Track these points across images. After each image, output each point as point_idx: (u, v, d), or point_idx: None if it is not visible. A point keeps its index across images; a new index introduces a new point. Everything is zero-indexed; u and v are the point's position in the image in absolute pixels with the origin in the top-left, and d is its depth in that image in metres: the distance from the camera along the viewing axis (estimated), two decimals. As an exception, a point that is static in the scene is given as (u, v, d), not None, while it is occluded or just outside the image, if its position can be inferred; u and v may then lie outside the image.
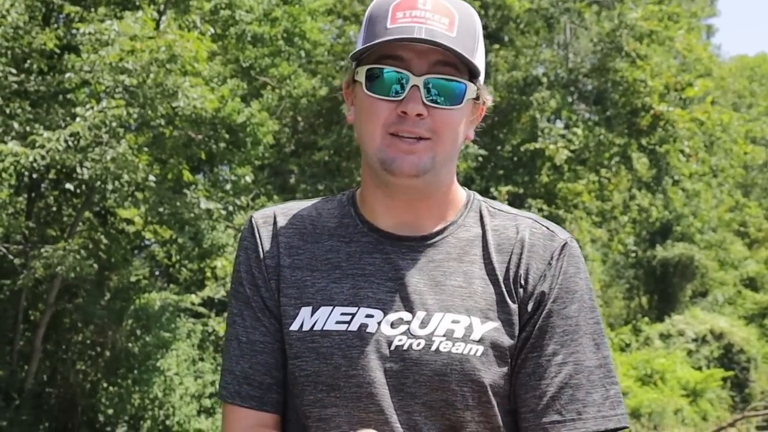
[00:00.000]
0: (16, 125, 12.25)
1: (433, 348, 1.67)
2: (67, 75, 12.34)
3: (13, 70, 12.40)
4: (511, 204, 14.44)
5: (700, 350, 25.88)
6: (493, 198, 10.84)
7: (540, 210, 19.86)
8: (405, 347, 1.67)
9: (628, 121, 21.66)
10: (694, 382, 23.86)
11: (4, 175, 11.77)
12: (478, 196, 1.86)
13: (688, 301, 30.11)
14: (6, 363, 14.27)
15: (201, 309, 16.37)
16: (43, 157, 11.55)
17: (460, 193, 1.83)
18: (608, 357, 1.77)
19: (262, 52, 17.81)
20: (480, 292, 1.72)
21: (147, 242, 17.53)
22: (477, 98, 1.74)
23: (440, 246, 1.76)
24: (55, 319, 14.66)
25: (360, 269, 1.74)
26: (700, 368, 25.01)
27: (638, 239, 27.51)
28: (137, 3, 13.89)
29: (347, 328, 1.69)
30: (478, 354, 1.67)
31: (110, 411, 15.04)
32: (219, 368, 16.17)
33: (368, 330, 1.68)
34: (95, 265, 13.28)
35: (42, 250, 12.61)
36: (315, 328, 1.70)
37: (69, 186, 12.97)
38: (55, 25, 13.39)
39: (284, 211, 1.84)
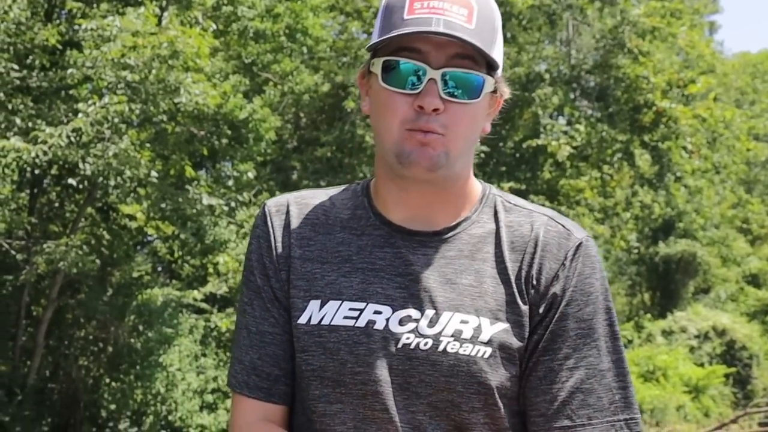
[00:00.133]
0: (18, 121, 12.26)
1: (441, 348, 1.64)
2: (69, 71, 12.35)
3: (16, 66, 12.40)
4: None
5: (703, 347, 25.87)
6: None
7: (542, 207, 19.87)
8: (412, 346, 1.65)
9: (630, 117, 21.65)
10: (696, 379, 23.86)
11: (6, 170, 11.77)
12: (495, 190, 1.82)
13: (691, 297, 30.11)
14: (8, 358, 14.29)
15: (203, 305, 16.40)
16: (45, 153, 11.56)
17: (476, 187, 1.79)
18: (622, 360, 1.73)
19: (264, 48, 17.82)
20: (491, 292, 1.69)
21: (149, 238, 17.55)
22: (494, 91, 1.71)
23: (452, 242, 1.73)
24: (58, 315, 14.68)
25: (370, 263, 1.71)
26: (702, 365, 25.00)
27: (640, 236, 27.51)
28: (139, -1, 13.90)
29: (355, 324, 1.67)
30: (486, 356, 1.64)
31: (113, 406, 15.07)
32: (221, 364, 16.21)
33: (376, 327, 1.66)
34: (97, 261, 13.30)
35: (44, 245, 12.62)
36: (323, 323, 1.68)
37: (71, 182, 12.98)
38: (57, 21, 13.39)
39: (298, 199, 1.82)
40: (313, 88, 19.05)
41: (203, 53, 13.13)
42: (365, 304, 1.68)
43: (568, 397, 1.67)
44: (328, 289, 1.71)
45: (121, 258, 15.30)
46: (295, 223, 1.78)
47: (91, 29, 12.29)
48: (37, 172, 12.93)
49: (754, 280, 33.47)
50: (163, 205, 13.93)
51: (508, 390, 1.66)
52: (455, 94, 1.64)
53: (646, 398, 21.70)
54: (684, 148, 21.92)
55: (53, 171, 13.62)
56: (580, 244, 1.73)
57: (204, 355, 16.21)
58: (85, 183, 13.01)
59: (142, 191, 14.04)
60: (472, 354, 1.64)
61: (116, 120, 11.92)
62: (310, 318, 1.70)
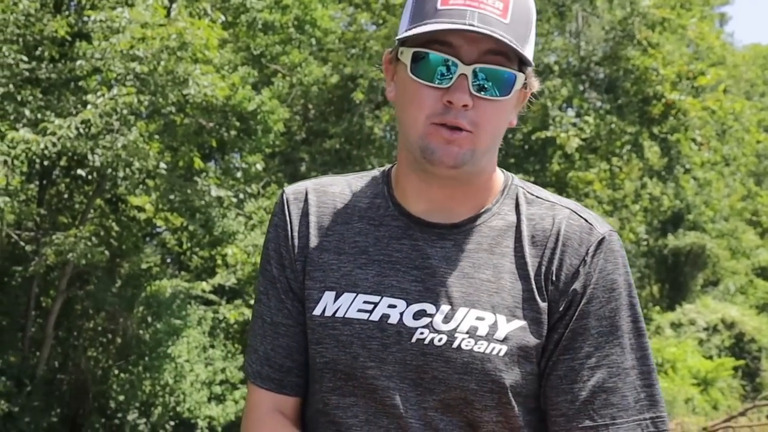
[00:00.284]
0: (27, 112, 12.28)
1: (455, 345, 1.61)
2: (78, 62, 12.36)
3: (25, 58, 12.42)
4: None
5: (711, 339, 25.84)
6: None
7: (551, 198, 19.83)
8: (426, 341, 1.62)
9: (639, 109, 21.58)
10: (705, 371, 23.83)
11: (15, 162, 11.80)
12: (517, 181, 1.77)
13: (700, 290, 30.06)
14: (18, 349, 14.35)
15: (212, 296, 16.43)
16: (54, 144, 11.58)
17: (498, 177, 1.75)
18: (647, 357, 1.68)
19: (272, 39, 17.82)
20: (508, 288, 1.65)
21: (158, 229, 17.58)
22: (524, 85, 1.66)
23: (472, 235, 1.69)
24: (67, 306, 14.72)
25: (386, 255, 1.69)
26: (711, 357, 24.97)
27: (649, 228, 27.45)
28: (148, -10, 13.89)
29: (369, 317, 1.65)
30: (501, 354, 1.61)
31: (121, 397, 15.11)
32: (229, 355, 16.25)
33: (390, 321, 1.64)
34: (106, 252, 13.33)
35: (53, 237, 12.65)
36: (337, 315, 1.66)
37: (80, 173, 13.01)
38: (67, 13, 13.40)
39: (317, 186, 1.78)
40: (322, 80, 19.04)
41: (212, 45, 13.13)
42: (380, 297, 1.66)
43: (590, 396, 1.64)
44: (343, 280, 1.68)
45: (130, 249, 15.34)
46: (313, 211, 1.75)
47: (100, 21, 12.30)
48: (46, 163, 12.96)
49: (763, 273, 33.39)
50: (171, 197, 13.95)
51: (523, 388, 1.64)
52: (486, 90, 1.60)
53: (655, 391, 21.66)
54: (693, 140, 21.85)
55: (62, 162, 13.65)
56: (603, 238, 1.69)
57: (212, 346, 16.24)
58: (94, 174, 13.04)
59: (150, 183, 14.07)
60: (487, 351, 1.61)
61: (125, 111, 11.93)
62: (324, 309, 1.68)
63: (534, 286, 1.66)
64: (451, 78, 1.59)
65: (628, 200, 23.25)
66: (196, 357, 15.58)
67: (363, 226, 1.73)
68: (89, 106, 11.88)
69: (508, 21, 1.59)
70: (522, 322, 1.64)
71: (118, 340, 15.39)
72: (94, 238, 13.17)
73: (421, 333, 1.62)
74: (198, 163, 14.61)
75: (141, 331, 15.11)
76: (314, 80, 18.76)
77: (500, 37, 1.57)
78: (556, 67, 22.08)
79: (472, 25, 1.56)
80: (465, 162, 1.62)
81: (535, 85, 1.70)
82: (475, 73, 1.59)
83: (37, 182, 14.47)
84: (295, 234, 1.74)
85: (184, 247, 17.93)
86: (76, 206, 15.14)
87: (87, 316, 15.36)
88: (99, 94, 12.05)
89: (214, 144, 15.49)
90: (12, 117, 12.33)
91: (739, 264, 32.27)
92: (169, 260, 18.77)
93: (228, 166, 16.71)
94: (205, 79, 12.57)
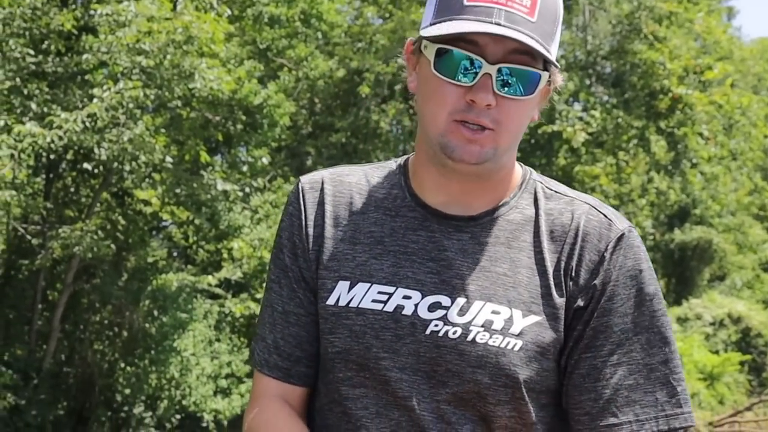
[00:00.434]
0: (33, 106, 12.29)
1: (470, 338, 1.60)
2: (85, 56, 12.36)
3: (31, 51, 12.43)
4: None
5: (718, 334, 25.79)
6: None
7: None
8: (440, 334, 1.60)
9: (646, 103, 21.54)
10: (711, 366, 23.80)
11: (22, 155, 11.82)
12: (535, 175, 1.77)
13: (706, 284, 29.99)
14: (24, 343, 14.38)
15: (218, 290, 16.45)
16: (60, 138, 11.59)
17: (517, 172, 1.74)
18: (672, 353, 1.67)
19: (279, 33, 17.81)
20: (525, 283, 1.64)
21: (164, 223, 17.60)
22: (548, 82, 1.65)
23: (489, 228, 1.68)
24: (73, 300, 14.75)
25: (402, 246, 1.67)
26: (717, 352, 24.93)
27: (656, 222, 27.40)
28: (154, -16, 13.89)
29: (383, 308, 1.63)
30: (516, 349, 1.60)
31: (127, 391, 15.14)
32: (235, 349, 16.27)
33: (404, 312, 1.62)
34: (113, 246, 13.35)
35: (60, 230, 12.68)
36: (350, 305, 1.65)
37: (87, 167, 13.02)
38: (73, 6, 13.40)
39: (333, 176, 1.77)
40: (328, 74, 19.03)
41: (218, 39, 13.12)
42: (395, 288, 1.64)
43: (613, 394, 1.63)
44: (358, 270, 1.67)
45: (136, 243, 15.36)
46: (329, 201, 1.74)
47: (107, 14, 12.30)
48: (52, 157, 12.97)
49: (770, 268, 33.32)
50: (177, 191, 13.97)
51: (537, 384, 1.63)
52: (510, 90, 1.58)
53: (661, 385, 21.65)
54: (700, 134, 21.79)
55: (69, 156, 13.67)
56: (622, 234, 1.68)
57: (218, 340, 16.26)
58: (101, 168, 13.06)
59: (157, 176, 14.08)
60: (502, 346, 1.60)
61: (131, 105, 11.94)
62: (338, 299, 1.67)
63: (552, 282, 1.65)
64: (474, 76, 1.57)
65: (635, 194, 23.21)
66: (202, 351, 15.60)
67: (379, 216, 1.72)
68: (95, 100, 11.89)
69: (535, 19, 1.58)
70: (538, 318, 1.63)
71: (125, 333, 15.42)
72: (100, 232, 13.19)
73: (436, 325, 1.61)
74: (204, 156, 14.62)
75: (147, 325, 15.14)
76: (320, 74, 18.75)
77: (526, 39, 1.55)
78: (563, 61, 22.03)
79: (499, 24, 1.55)
80: (486, 159, 1.61)
81: (559, 80, 1.69)
82: (499, 73, 1.57)
83: (44, 176, 14.49)
84: (310, 223, 1.73)
85: (190, 240, 17.95)
86: (83, 200, 15.16)
87: (93, 309, 15.39)
88: (105, 87, 12.05)
89: (220, 138, 15.50)
90: (18, 110, 12.34)
91: (745, 259, 32.19)
92: (175, 254, 18.80)
93: (234, 160, 16.72)
94: (211, 72, 12.57)
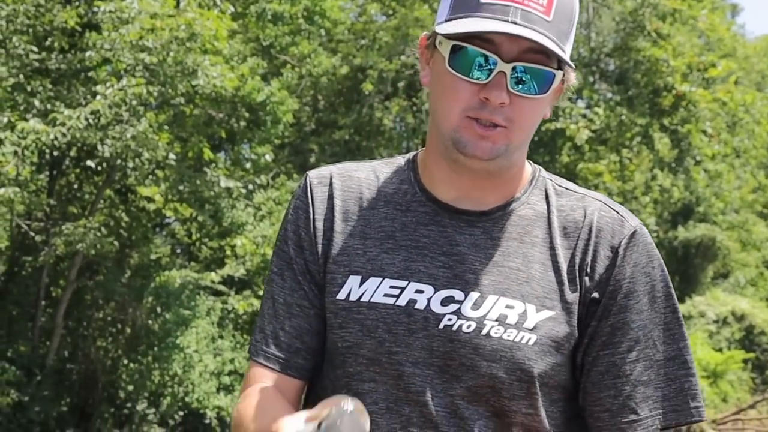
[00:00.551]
0: (37, 103, 12.31)
1: (484, 332, 1.59)
2: (88, 53, 12.38)
3: (35, 48, 12.44)
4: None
5: (721, 332, 25.77)
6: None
7: (560, 190, 19.79)
8: (454, 328, 1.60)
9: (650, 101, 21.50)
10: (714, 364, 23.78)
11: (26, 152, 11.84)
12: (544, 172, 1.77)
13: (710, 282, 29.95)
14: (28, 339, 14.40)
15: (221, 287, 16.45)
16: (64, 135, 11.61)
17: (527, 169, 1.75)
18: (685, 348, 1.69)
19: (282, 30, 17.81)
20: (538, 278, 1.64)
21: (168, 220, 17.61)
22: (561, 81, 1.65)
23: (500, 223, 1.68)
24: (77, 296, 14.77)
25: (414, 241, 1.66)
26: (720, 350, 24.91)
27: (660, 220, 27.37)
28: (158, -19, 13.89)
29: (395, 302, 1.62)
30: (530, 343, 1.60)
31: (130, 387, 15.16)
32: (238, 346, 16.27)
33: (417, 306, 1.61)
34: (116, 243, 13.37)
35: (63, 227, 12.69)
36: (362, 299, 1.63)
37: (90, 164, 13.03)
38: (77, 3, 13.41)
39: (341, 171, 1.76)
40: (331, 71, 19.01)
41: (221, 36, 13.13)
42: (407, 282, 1.63)
43: (632, 390, 1.64)
44: (369, 265, 1.66)
45: (140, 240, 15.37)
46: (338, 195, 1.73)
47: (110, 11, 12.31)
48: (56, 153, 12.99)
49: (773, 265, 33.27)
50: (181, 188, 13.97)
51: (550, 379, 1.63)
52: (524, 89, 1.59)
53: (664, 383, 21.63)
54: (704, 131, 21.76)
55: (72, 153, 13.68)
56: (635, 231, 1.69)
57: (221, 337, 16.27)
58: (104, 165, 13.07)
59: (160, 173, 14.09)
60: (516, 340, 1.60)
61: (134, 102, 11.95)
62: (349, 294, 1.66)
63: (565, 277, 1.65)
64: (489, 74, 1.57)
65: (638, 192, 23.20)
66: (205, 347, 15.62)
67: (389, 211, 1.71)
68: (99, 97, 11.90)
69: (551, 18, 1.58)
70: (552, 313, 1.63)
71: (128, 330, 15.43)
72: (103, 229, 13.21)
73: (449, 319, 1.60)
74: (207, 153, 14.62)
75: (150, 322, 15.15)
76: (324, 71, 18.74)
77: (542, 38, 1.55)
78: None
79: (515, 23, 1.55)
80: (498, 155, 1.61)
81: (572, 79, 1.69)
82: (514, 71, 1.57)
83: (47, 173, 14.51)
84: (319, 216, 1.72)
85: (194, 237, 17.96)
86: (86, 197, 15.17)
87: (96, 306, 15.40)
88: (108, 84, 12.06)
89: (223, 135, 15.50)
90: (22, 107, 12.35)
91: (749, 256, 32.14)
92: (178, 251, 18.81)
93: (237, 157, 16.72)
94: (215, 69, 12.58)
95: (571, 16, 1.63)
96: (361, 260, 1.67)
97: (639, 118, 21.30)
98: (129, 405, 15.43)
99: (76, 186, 15.23)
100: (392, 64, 18.40)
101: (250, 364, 1.75)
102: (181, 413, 15.69)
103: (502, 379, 1.59)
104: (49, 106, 12.21)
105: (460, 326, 1.60)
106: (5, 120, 11.92)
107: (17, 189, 11.92)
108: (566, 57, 1.61)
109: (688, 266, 29.13)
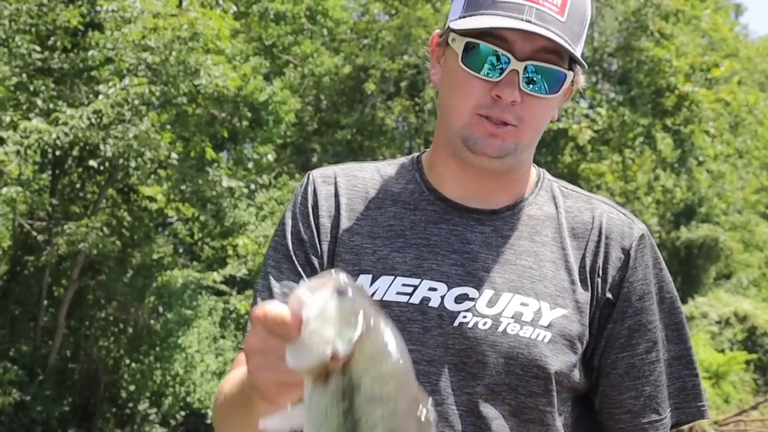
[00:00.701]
0: (39, 102, 12.30)
1: (500, 329, 1.59)
2: (91, 52, 12.38)
3: (37, 48, 12.44)
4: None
5: (724, 333, 25.73)
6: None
7: (563, 190, 19.78)
8: (470, 325, 1.59)
9: (652, 101, 21.49)
10: (716, 365, 23.74)
11: (28, 152, 11.83)
12: (548, 175, 1.79)
13: (712, 283, 29.91)
14: (30, 339, 14.39)
15: (223, 287, 16.44)
16: (66, 134, 11.60)
17: (532, 170, 1.77)
18: (691, 347, 1.72)
19: (284, 29, 17.80)
20: (550, 276, 1.65)
21: (170, 220, 17.60)
22: (572, 82, 1.66)
23: (510, 222, 1.68)
24: (79, 296, 14.76)
25: (424, 239, 1.66)
26: (723, 351, 24.87)
27: (662, 220, 27.33)
28: (161, -20, 13.88)
29: (408, 300, 1.61)
30: (546, 340, 1.60)
31: (132, 387, 15.15)
32: (240, 346, 16.24)
33: (430, 304, 1.60)
34: (118, 242, 13.36)
35: (65, 226, 12.68)
36: (374, 298, 1.62)
37: (92, 163, 13.02)
38: (79, 2, 13.41)
39: (345, 171, 1.76)
40: (334, 70, 19.00)
41: (223, 35, 13.12)
42: (419, 280, 1.62)
43: (653, 391, 1.66)
44: (379, 264, 1.65)
45: (142, 239, 15.36)
46: (343, 194, 1.72)
47: (113, 11, 12.31)
48: (58, 153, 12.98)
49: (776, 266, 33.23)
50: (183, 187, 13.96)
51: (564, 378, 1.63)
52: (535, 88, 1.59)
53: (666, 383, 21.61)
54: (706, 132, 21.74)
55: (74, 152, 13.68)
56: (643, 234, 1.71)
57: (223, 337, 16.26)
58: (106, 164, 13.06)
59: (162, 173, 14.08)
60: (533, 337, 1.60)
61: (136, 102, 11.94)
62: None
63: (577, 277, 1.66)
64: (501, 72, 1.58)
65: (641, 192, 23.16)
66: (207, 347, 15.61)
67: (398, 210, 1.70)
68: (101, 96, 11.90)
69: (564, 19, 1.58)
70: (565, 311, 1.63)
71: (130, 330, 15.42)
72: (105, 228, 13.20)
73: (464, 317, 1.60)
74: (209, 153, 14.62)
75: (152, 321, 15.14)
76: (326, 71, 18.72)
77: (556, 37, 1.55)
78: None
79: (529, 22, 1.55)
80: (507, 154, 1.62)
81: (582, 81, 1.69)
82: (526, 70, 1.58)
83: (50, 172, 14.50)
84: (323, 213, 1.71)
85: (196, 237, 17.94)
86: (88, 196, 15.17)
87: (98, 305, 15.40)
88: (111, 84, 12.06)
89: (225, 134, 15.49)
90: (25, 107, 12.36)
91: (752, 257, 32.10)
92: (180, 250, 18.80)
93: (239, 157, 16.71)
94: (217, 69, 12.57)
95: (584, 18, 1.64)
96: (371, 259, 1.66)
97: (642, 119, 21.28)
98: (131, 405, 15.42)
99: (78, 185, 15.22)
100: (395, 64, 18.38)
101: (238, 353, 1.72)
102: (182, 413, 15.68)
103: (520, 375, 1.59)
104: (51, 106, 12.21)
105: (476, 323, 1.59)
106: (8, 119, 11.92)
107: (20, 188, 11.91)
108: (579, 57, 1.61)
109: (691, 267, 29.10)
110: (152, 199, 15.27)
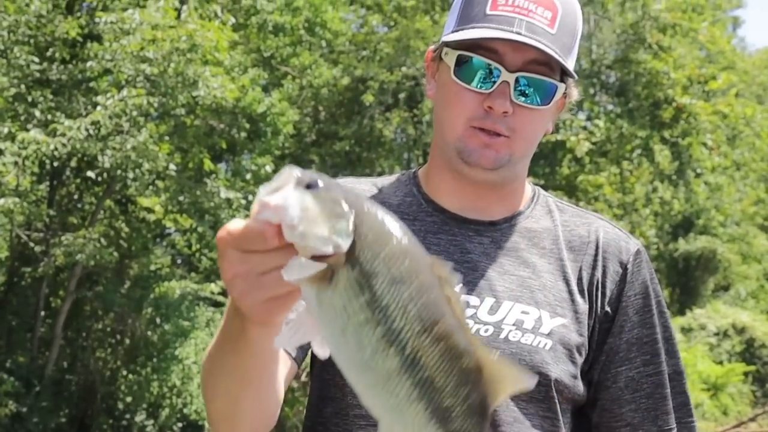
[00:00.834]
0: (38, 113, 12.31)
1: (502, 336, 1.61)
2: (89, 63, 12.39)
3: (36, 59, 12.45)
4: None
5: (722, 344, 25.71)
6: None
7: (561, 202, 19.79)
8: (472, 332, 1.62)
9: (650, 113, 21.53)
10: (715, 377, 23.72)
11: (26, 162, 11.83)
12: (543, 191, 1.81)
13: (710, 294, 29.91)
14: (27, 350, 14.36)
15: (220, 298, 16.41)
16: (64, 145, 11.60)
17: (527, 186, 1.79)
18: (681, 361, 1.75)
19: (283, 41, 17.82)
20: (549, 286, 1.67)
21: (168, 231, 17.59)
22: (564, 94, 1.69)
23: (508, 233, 1.70)
24: (76, 307, 14.73)
25: (424, 248, 1.68)
26: (721, 362, 24.84)
27: (660, 232, 27.35)
28: (159, -8, 13.90)
29: None
30: (547, 348, 1.62)
31: (129, 399, 15.12)
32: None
33: None
34: (115, 254, 13.33)
35: (63, 237, 12.67)
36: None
37: (90, 174, 13.02)
38: (78, 14, 13.43)
39: (343, 184, 1.77)
40: (332, 82, 19.02)
41: (222, 47, 13.14)
42: None
43: (653, 404, 1.68)
44: None
45: (139, 250, 15.35)
46: None
47: (111, 22, 12.33)
48: (56, 164, 12.98)
49: (774, 278, 33.23)
50: (181, 198, 13.96)
51: (563, 386, 1.64)
52: (526, 99, 1.61)
53: (664, 396, 21.58)
54: (704, 144, 21.77)
55: (72, 163, 13.67)
56: (639, 250, 1.74)
57: (221, 348, 16.23)
58: (104, 175, 13.06)
59: (160, 184, 14.07)
60: (534, 344, 1.61)
61: (135, 113, 11.95)
62: None
63: (575, 288, 1.67)
64: (493, 83, 1.60)
65: (639, 204, 23.18)
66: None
67: None
68: (99, 108, 11.91)
69: (554, 31, 1.61)
70: (564, 320, 1.65)
71: (127, 341, 15.39)
72: (103, 239, 13.18)
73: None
74: (208, 164, 14.62)
75: (149, 333, 15.12)
76: (324, 82, 18.74)
77: (545, 48, 1.58)
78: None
79: (519, 34, 1.57)
80: (501, 165, 1.63)
81: (575, 94, 1.73)
82: (517, 81, 1.60)
83: (48, 183, 14.49)
84: None
85: (193, 248, 17.93)
86: (86, 207, 15.16)
87: (96, 317, 15.37)
88: (109, 95, 12.07)
89: (224, 146, 15.49)
90: (23, 118, 12.36)
91: (750, 269, 32.10)
92: (178, 261, 18.79)
93: (238, 168, 16.70)
94: (215, 80, 12.58)
95: (575, 31, 1.66)
96: None
97: (639, 131, 21.31)
98: (127, 416, 15.37)
99: (76, 196, 15.21)
100: (393, 76, 18.41)
101: None
102: (179, 425, 15.63)
103: None
104: (49, 117, 12.22)
105: (478, 330, 1.61)
106: (6, 130, 11.92)
107: (17, 199, 11.91)
108: (569, 68, 1.63)
109: (689, 279, 29.10)
110: (150, 210, 15.26)
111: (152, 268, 15.85)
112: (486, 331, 1.61)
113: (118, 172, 12.39)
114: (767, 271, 33.36)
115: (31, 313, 14.61)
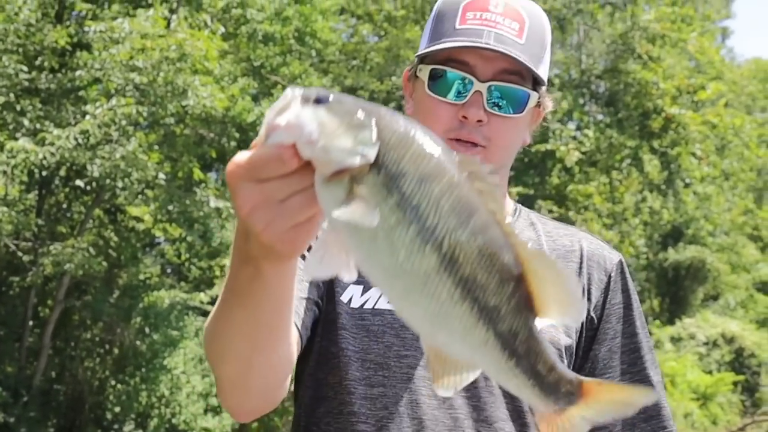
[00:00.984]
0: (26, 122, 12.27)
1: None
2: (78, 73, 12.36)
3: (25, 68, 12.42)
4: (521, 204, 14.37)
5: (711, 354, 25.75)
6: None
7: (550, 211, 19.81)
8: None
9: (639, 123, 21.58)
10: (704, 386, 23.74)
11: (15, 172, 11.78)
12: (524, 207, 1.87)
13: (700, 304, 29.97)
14: (15, 359, 14.29)
15: (210, 307, 16.36)
16: (53, 155, 11.56)
17: (509, 201, 1.83)
18: (661, 373, 1.80)
19: (273, 51, 17.81)
20: None
21: (157, 240, 17.55)
22: (538, 104, 1.73)
23: None
24: (64, 316, 14.68)
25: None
26: (710, 372, 24.88)
27: (649, 242, 27.40)
28: (149, 1, 13.90)
29: None
30: None
31: (117, 409, 15.06)
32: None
33: None
34: (104, 263, 13.29)
35: (51, 247, 12.62)
36: (365, 306, 1.66)
37: (79, 183, 12.98)
38: (67, 23, 13.40)
39: None
40: (322, 92, 19.02)
41: (212, 56, 13.13)
42: None
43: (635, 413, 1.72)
44: None
45: (128, 260, 15.31)
46: None
47: (101, 31, 12.31)
48: (45, 173, 12.94)
49: (764, 288, 33.31)
50: (170, 208, 13.93)
51: None
52: (500, 107, 1.65)
53: (654, 405, 21.57)
54: (693, 154, 21.84)
55: (61, 173, 13.64)
56: (621, 260, 1.80)
57: (210, 358, 16.18)
58: (93, 185, 13.02)
59: (149, 193, 14.04)
60: None
61: (124, 122, 11.92)
62: (350, 300, 1.67)
63: None
64: (466, 95, 1.64)
65: (628, 214, 23.22)
66: (193, 368, 15.53)
67: None
68: (88, 117, 11.88)
69: (523, 41, 1.65)
70: (552, 320, 1.66)
71: (115, 350, 15.34)
72: (92, 249, 13.13)
73: None
74: (197, 173, 14.60)
75: (138, 342, 15.06)
76: (314, 92, 18.74)
77: (515, 57, 1.62)
78: (557, 80, 22.08)
79: (488, 44, 1.62)
80: None
81: (549, 105, 1.77)
82: (489, 91, 1.64)
83: (36, 192, 14.45)
84: None
85: (183, 258, 17.89)
86: (75, 216, 15.11)
87: (84, 326, 15.31)
88: (98, 104, 12.04)
89: (213, 155, 15.48)
90: (11, 127, 12.32)
91: (739, 278, 32.20)
92: (168, 271, 18.74)
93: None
94: (205, 90, 12.57)
95: (543, 41, 1.70)
96: None
97: (629, 140, 21.36)
98: (116, 426, 15.31)
99: (65, 206, 15.17)
100: (383, 85, 18.43)
101: None
102: (168, 435, 15.57)
103: None
104: (38, 126, 12.18)
105: None
106: (-6, 139, 11.88)
107: (6, 208, 11.87)
108: (539, 74, 1.67)
109: (678, 288, 29.16)
110: (139, 220, 15.22)
111: (141, 277, 15.81)
112: None
113: (107, 181, 12.36)
114: (756, 280, 33.45)
115: (19, 323, 14.55)
